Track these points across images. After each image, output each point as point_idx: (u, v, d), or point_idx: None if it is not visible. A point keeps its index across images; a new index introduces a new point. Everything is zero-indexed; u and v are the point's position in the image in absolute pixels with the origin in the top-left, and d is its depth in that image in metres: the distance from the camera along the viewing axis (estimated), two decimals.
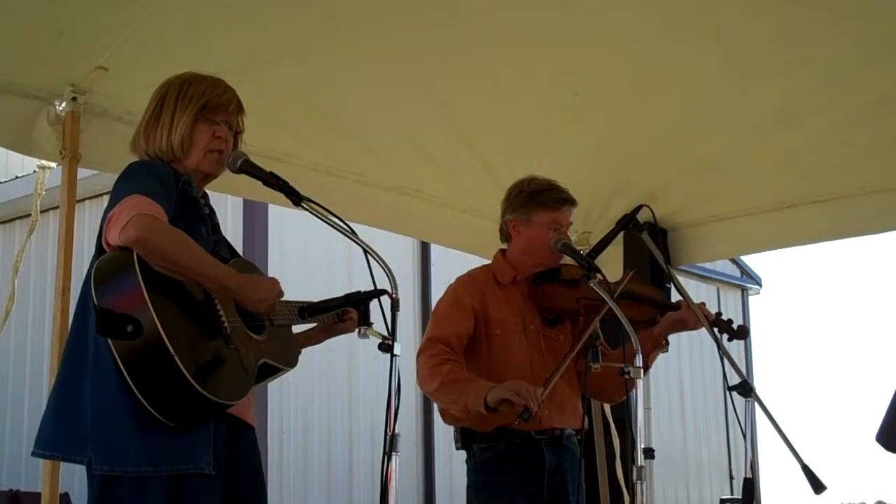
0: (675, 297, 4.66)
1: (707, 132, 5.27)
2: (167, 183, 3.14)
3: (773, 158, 5.35)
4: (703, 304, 4.43)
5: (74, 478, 3.04)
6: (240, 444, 3.29)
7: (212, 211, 3.43)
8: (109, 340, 2.89)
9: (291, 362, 3.46)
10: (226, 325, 3.11)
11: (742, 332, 4.45)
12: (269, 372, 3.34)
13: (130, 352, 2.87)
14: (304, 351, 3.66)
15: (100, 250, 3.08)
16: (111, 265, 2.98)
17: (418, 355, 4.26)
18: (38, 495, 4.40)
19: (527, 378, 4.16)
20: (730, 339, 4.44)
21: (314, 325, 3.66)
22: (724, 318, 4.46)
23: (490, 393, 3.99)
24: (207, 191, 3.54)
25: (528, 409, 3.89)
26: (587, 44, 4.66)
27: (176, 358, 2.86)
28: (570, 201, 4.40)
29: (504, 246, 4.53)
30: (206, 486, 3.04)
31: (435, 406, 4.48)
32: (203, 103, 3.31)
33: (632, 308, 4.31)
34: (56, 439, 3.06)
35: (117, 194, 3.04)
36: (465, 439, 4.34)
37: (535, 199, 4.39)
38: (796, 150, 5.23)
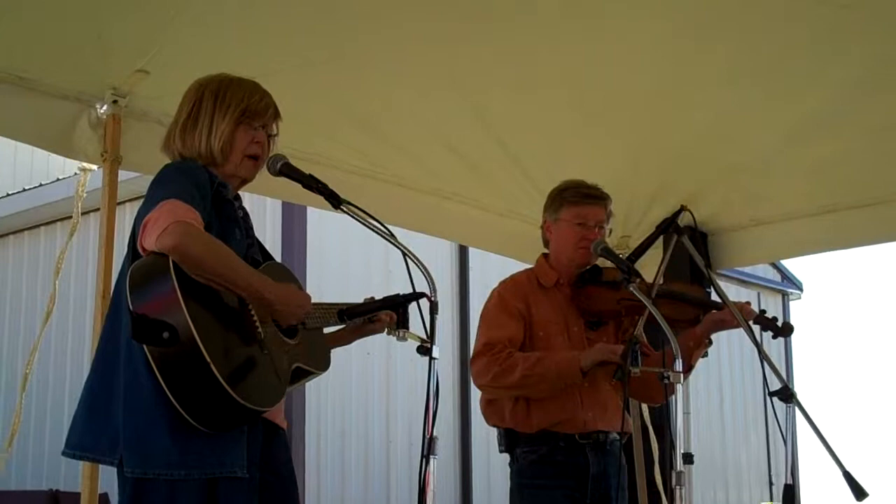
0: (714, 299, 4.62)
1: (747, 135, 5.24)
2: (202, 186, 3.14)
3: (813, 162, 5.31)
4: (748, 302, 4.40)
5: (114, 478, 3.05)
6: (272, 445, 3.30)
7: (246, 213, 3.43)
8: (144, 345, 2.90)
9: (324, 365, 3.47)
10: (260, 330, 3.11)
11: (787, 329, 4.42)
12: (302, 375, 3.34)
13: (165, 357, 2.88)
14: (341, 354, 3.66)
15: (134, 253, 3.08)
16: (147, 270, 2.98)
17: (474, 359, 4.26)
18: (77, 495, 4.43)
19: None
20: (774, 337, 4.41)
21: (343, 326, 3.66)
22: (768, 315, 4.43)
23: (584, 359, 4.12)
24: (246, 193, 3.55)
25: (623, 366, 3.97)
26: (625, 48, 4.64)
27: (212, 365, 2.86)
28: (594, 196, 4.40)
29: (547, 251, 4.54)
30: (241, 489, 3.05)
31: (473, 409, 4.49)
32: (243, 109, 3.32)
33: (674, 308, 4.30)
34: (87, 440, 3.08)
35: (153, 197, 3.05)
36: (508, 442, 4.33)
37: (561, 196, 4.44)
38: (837, 154, 5.19)
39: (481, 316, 4.41)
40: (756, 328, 4.36)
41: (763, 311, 4.41)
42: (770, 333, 4.41)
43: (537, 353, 4.22)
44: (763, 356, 4.18)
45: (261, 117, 3.36)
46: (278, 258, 3.61)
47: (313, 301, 3.39)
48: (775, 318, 4.41)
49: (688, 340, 4.26)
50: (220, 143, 3.28)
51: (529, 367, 4.15)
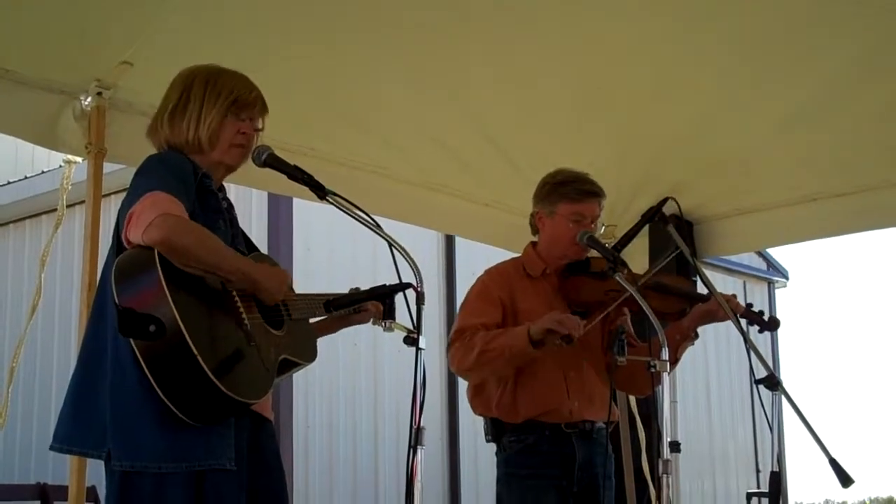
0: (701, 289, 4.63)
1: (732, 126, 5.25)
2: (186, 176, 3.15)
3: (798, 151, 5.32)
4: (734, 295, 4.41)
5: (102, 471, 3.05)
6: (260, 437, 3.30)
7: (230, 204, 3.43)
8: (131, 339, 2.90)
9: (311, 356, 3.47)
10: (246, 322, 3.11)
11: (773, 324, 4.42)
12: (289, 366, 3.34)
13: (152, 350, 2.88)
14: (328, 345, 3.66)
15: (119, 246, 3.08)
16: (132, 263, 2.98)
17: (449, 346, 4.26)
18: (65, 488, 4.43)
19: (557, 370, 4.27)
20: (760, 331, 4.41)
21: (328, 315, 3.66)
22: (755, 309, 4.44)
23: (532, 328, 4.06)
24: (232, 184, 3.54)
25: (571, 335, 3.96)
26: (611, 40, 4.65)
27: (199, 358, 2.86)
28: (593, 193, 4.38)
29: (535, 239, 4.53)
30: (228, 481, 3.06)
31: (460, 399, 4.50)
32: (233, 99, 3.32)
33: (661, 300, 4.30)
34: (74, 434, 3.08)
35: (137, 189, 3.05)
36: (495, 432, 4.34)
37: (558, 190, 4.39)
38: (821, 144, 5.21)
39: (461, 304, 4.42)
40: (742, 322, 4.37)
41: (749, 305, 4.42)
42: (756, 328, 4.42)
43: (497, 331, 4.21)
44: (749, 345, 4.18)
45: (249, 109, 3.37)
46: (265, 249, 3.62)
47: (299, 292, 3.39)
48: (762, 312, 4.42)
49: (674, 333, 4.26)
50: (208, 132, 3.28)
51: (485, 343, 4.14)
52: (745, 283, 17.59)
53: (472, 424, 11.51)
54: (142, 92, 4.39)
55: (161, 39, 4.21)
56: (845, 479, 3.91)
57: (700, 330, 4.46)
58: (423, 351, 3.22)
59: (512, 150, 5.51)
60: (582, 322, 4.05)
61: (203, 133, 3.28)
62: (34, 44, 4.21)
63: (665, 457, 3.87)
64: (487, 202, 5.95)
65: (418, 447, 3.15)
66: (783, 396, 4.08)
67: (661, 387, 4.05)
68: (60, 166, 4.75)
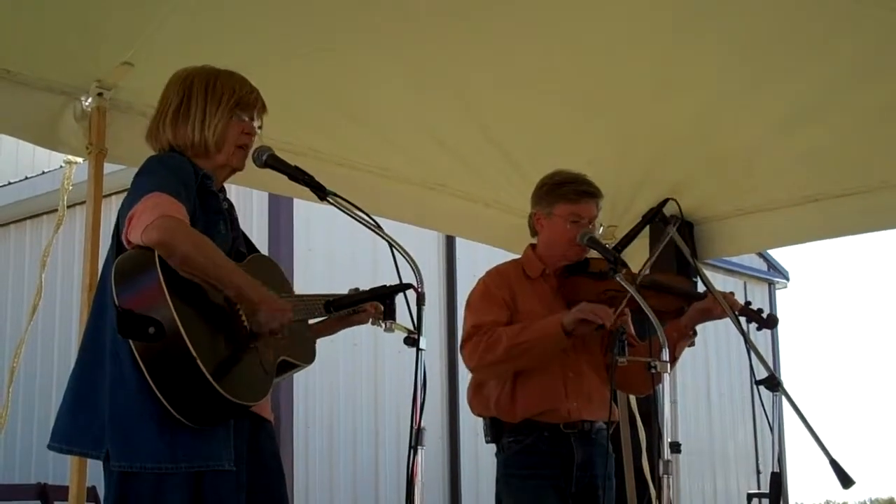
0: (701, 290, 4.63)
1: (732, 126, 5.25)
2: (187, 178, 3.14)
3: (798, 152, 5.32)
4: (732, 293, 4.40)
5: (102, 471, 3.05)
6: (259, 438, 3.30)
7: (231, 205, 3.43)
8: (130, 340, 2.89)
9: (310, 358, 3.47)
10: (245, 324, 3.11)
11: (771, 321, 4.41)
12: (288, 367, 3.34)
13: (151, 352, 2.87)
14: (328, 346, 3.65)
15: (119, 246, 3.08)
16: (132, 264, 2.98)
17: (463, 343, 4.27)
18: (65, 489, 4.43)
19: (556, 370, 4.26)
20: (759, 329, 4.40)
21: (328, 316, 3.66)
22: (753, 307, 4.43)
23: (564, 318, 4.10)
24: (233, 185, 3.54)
25: (605, 324, 4.01)
26: (611, 40, 4.65)
27: (198, 360, 2.86)
28: (590, 194, 4.38)
29: (534, 240, 4.53)
30: (227, 482, 3.06)
31: (461, 400, 4.50)
32: (236, 100, 3.32)
33: (658, 299, 4.30)
34: (72, 434, 3.07)
35: (138, 189, 3.04)
36: (494, 432, 4.34)
37: (556, 191, 4.40)
38: (821, 144, 5.20)
39: (466, 305, 4.42)
40: (741, 320, 4.36)
41: (748, 303, 4.41)
42: (755, 325, 4.41)
43: (521, 324, 4.22)
44: (749, 345, 4.18)
45: (251, 109, 3.37)
46: (265, 250, 3.61)
47: (299, 293, 3.39)
48: (760, 310, 4.41)
49: (672, 332, 4.25)
50: (214, 135, 3.28)
51: (513, 336, 4.15)
52: (745, 283, 17.59)
53: (472, 425, 11.51)
54: (142, 92, 4.39)
55: (161, 40, 4.21)
56: (846, 480, 3.91)
57: (700, 330, 4.46)
58: (423, 351, 3.22)
59: (512, 150, 5.51)
60: (611, 311, 4.08)
61: (209, 135, 3.27)
62: (35, 45, 4.21)
63: (665, 457, 3.87)
64: (488, 202, 5.95)
65: (419, 448, 3.15)
66: (783, 397, 4.07)
67: (661, 387, 4.05)
68: (61, 167, 4.76)
